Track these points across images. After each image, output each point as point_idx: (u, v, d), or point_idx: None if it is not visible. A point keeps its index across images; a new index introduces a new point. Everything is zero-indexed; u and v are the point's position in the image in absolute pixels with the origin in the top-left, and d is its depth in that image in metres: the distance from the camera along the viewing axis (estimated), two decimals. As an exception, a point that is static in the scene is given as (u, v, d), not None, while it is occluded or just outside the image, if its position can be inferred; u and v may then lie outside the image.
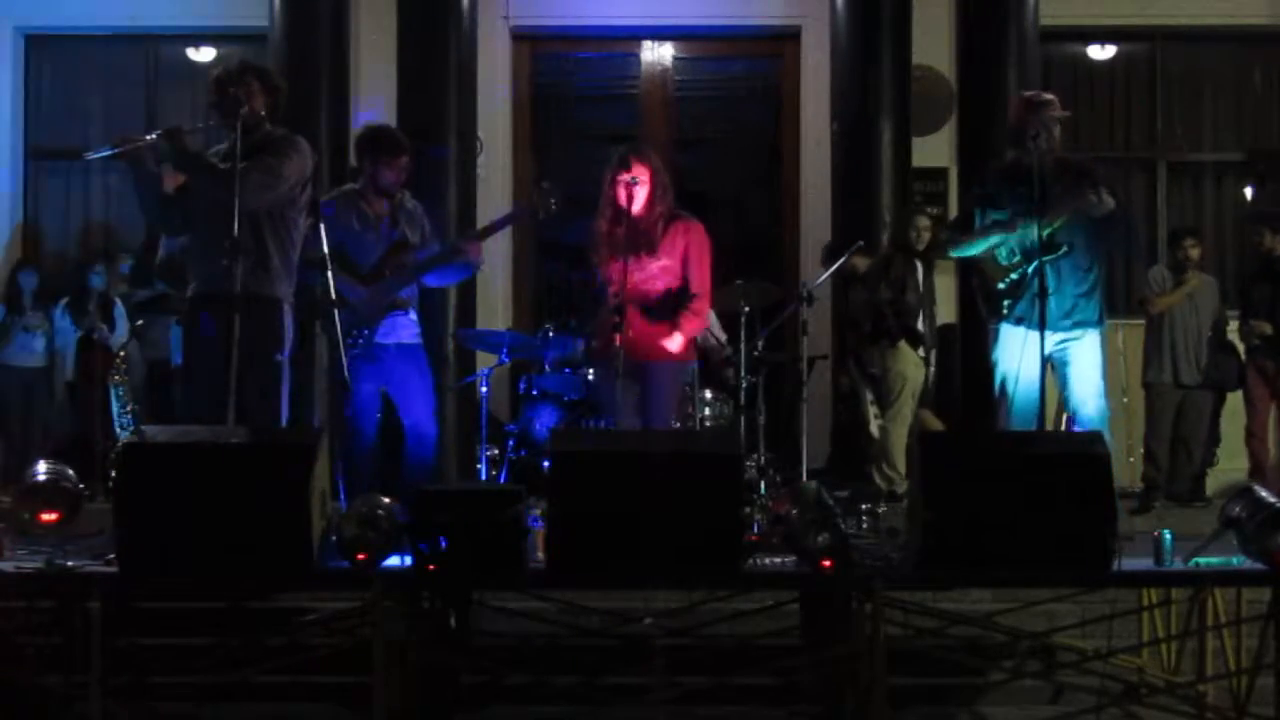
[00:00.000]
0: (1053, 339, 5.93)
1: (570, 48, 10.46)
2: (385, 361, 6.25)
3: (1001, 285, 6.11)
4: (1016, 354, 6.02)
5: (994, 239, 6.11)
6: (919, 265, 8.08)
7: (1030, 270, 5.92)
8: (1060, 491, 4.57)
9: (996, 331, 6.22)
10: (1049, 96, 6.29)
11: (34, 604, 5.07)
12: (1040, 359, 5.76)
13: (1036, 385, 5.83)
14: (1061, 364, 6.12)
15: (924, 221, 8.15)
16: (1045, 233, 5.79)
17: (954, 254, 6.53)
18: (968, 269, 6.52)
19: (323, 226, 5.90)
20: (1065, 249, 5.86)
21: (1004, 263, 6.11)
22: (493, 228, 6.71)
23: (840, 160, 9.22)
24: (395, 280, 6.25)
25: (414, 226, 6.36)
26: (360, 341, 6.17)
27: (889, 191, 8.87)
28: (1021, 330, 6.02)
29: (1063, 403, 6.26)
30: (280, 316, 5.75)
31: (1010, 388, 6.09)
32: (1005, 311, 6.11)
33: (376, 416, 6.32)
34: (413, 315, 6.34)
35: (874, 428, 8.13)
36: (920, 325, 8.01)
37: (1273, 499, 4.72)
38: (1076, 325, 6.09)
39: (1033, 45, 9.11)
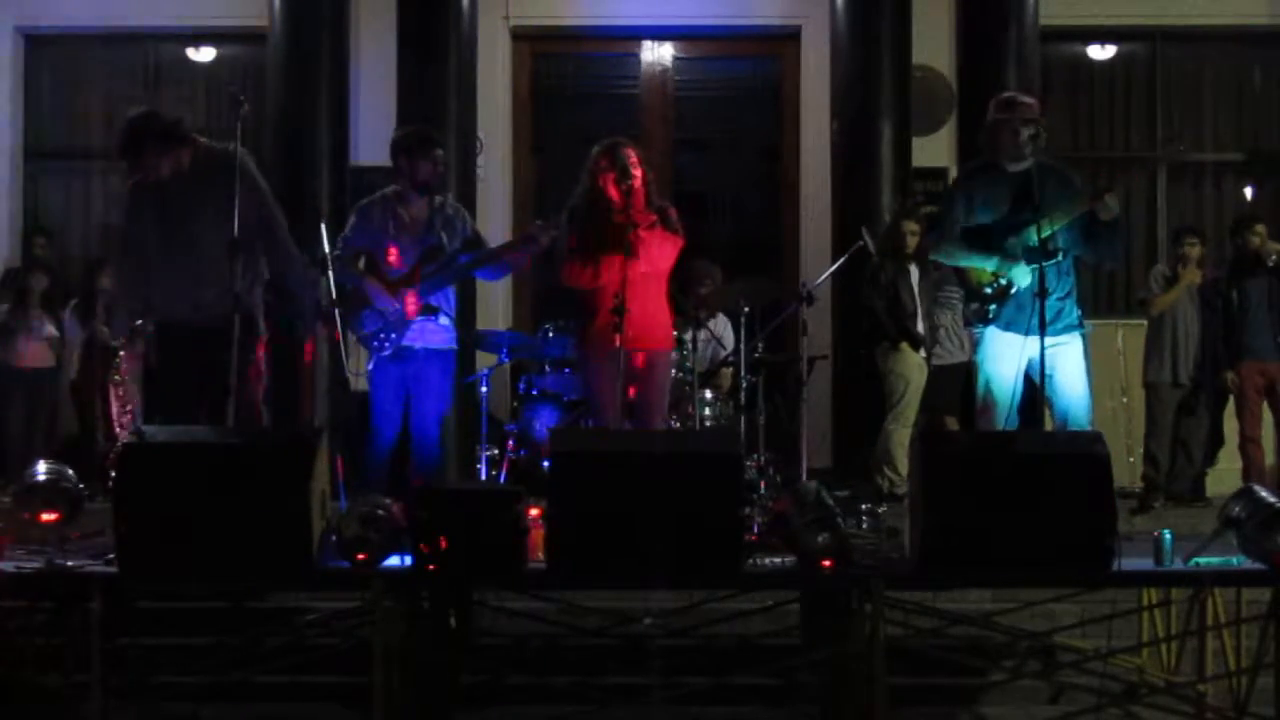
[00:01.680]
0: (1037, 344, 5.83)
1: (570, 48, 10.45)
2: (411, 363, 6.26)
3: (988, 289, 5.98)
4: (1003, 359, 5.94)
5: (981, 259, 5.96)
6: (912, 267, 8.07)
7: (1021, 275, 5.86)
8: (1060, 491, 4.57)
9: (980, 335, 6.10)
10: (1026, 99, 6.20)
11: (34, 604, 5.08)
12: (1039, 362, 5.63)
13: (1022, 391, 5.79)
14: (1048, 371, 5.97)
15: (912, 226, 8.12)
16: (1043, 236, 5.72)
17: (937, 259, 6.46)
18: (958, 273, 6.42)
19: (323, 227, 5.93)
20: (1061, 254, 5.81)
21: (991, 269, 5.99)
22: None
23: (840, 160, 9.21)
24: (426, 285, 6.23)
25: (452, 231, 6.33)
26: (388, 345, 6.19)
27: (889, 191, 8.87)
28: (1009, 335, 5.92)
29: (1050, 409, 6.05)
30: (256, 335, 5.91)
31: (996, 393, 5.97)
32: (991, 316, 5.99)
33: (399, 418, 6.31)
34: (444, 321, 6.32)
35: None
36: (919, 327, 8.00)
37: (1273, 499, 4.72)
38: (1062, 330, 5.95)
39: (1033, 45, 9.10)
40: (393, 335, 6.20)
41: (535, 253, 6.41)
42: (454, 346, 6.44)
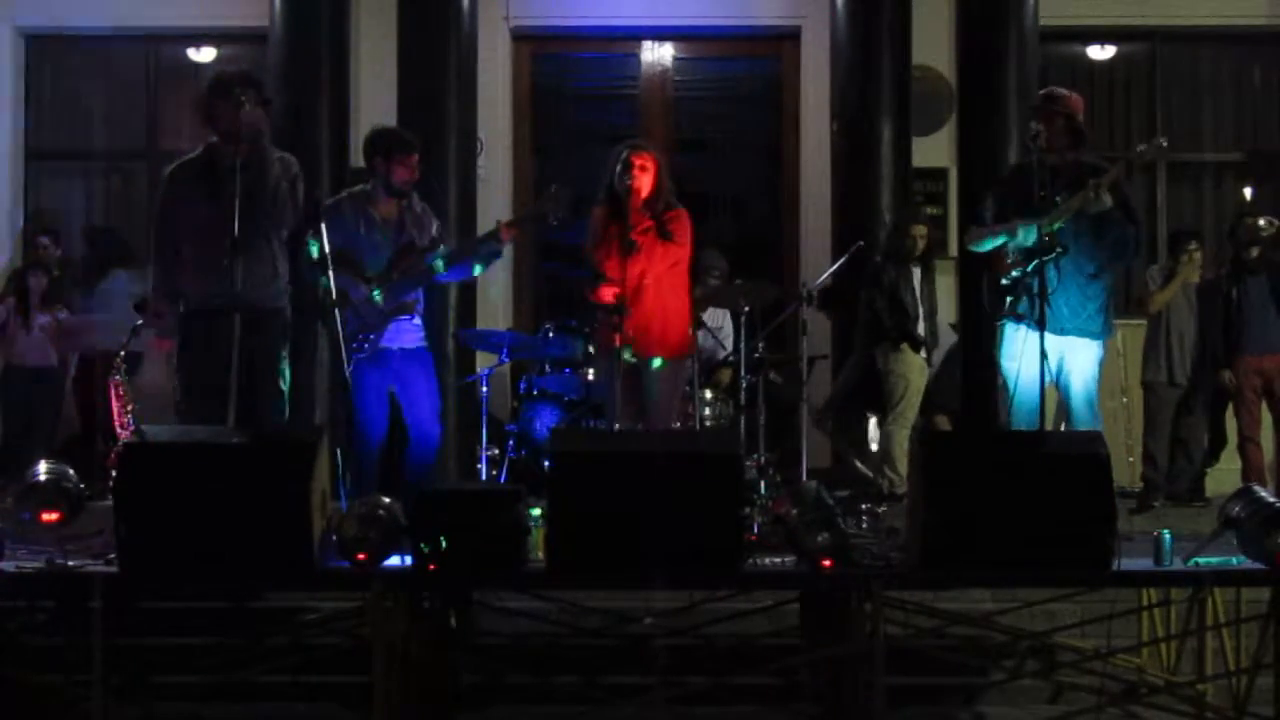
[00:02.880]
0: (1054, 342, 5.93)
1: (570, 48, 10.45)
2: (391, 365, 6.27)
3: (1005, 281, 6.13)
4: (1018, 352, 6.05)
5: (1001, 239, 6.17)
6: (915, 270, 8.06)
7: (1030, 270, 5.93)
8: (1060, 491, 4.57)
9: (1001, 328, 6.24)
10: (1056, 92, 6.30)
11: (34, 604, 5.08)
12: (1040, 357, 5.75)
13: (1037, 384, 5.84)
14: (1059, 369, 6.13)
15: (920, 230, 8.10)
16: (1046, 232, 5.80)
17: (970, 248, 6.54)
18: (976, 267, 6.55)
19: (324, 227, 5.92)
20: (1060, 250, 5.86)
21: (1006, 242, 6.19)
22: (518, 222, 6.73)
23: (840, 160, 9.20)
24: (403, 284, 6.25)
25: (422, 229, 6.35)
26: (366, 346, 6.19)
27: (889, 191, 8.85)
28: (1022, 329, 6.05)
29: (1061, 406, 6.29)
30: (286, 326, 5.94)
31: (1012, 385, 6.14)
32: (1007, 308, 6.14)
33: (384, 418, 6.33)
34: (417, 320, 6.35)
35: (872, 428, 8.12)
36: (920, 328, 7.99)
37: (1272, 499, 4.73)
38: (1077, 332, 6.10)
39: (1033, 45, 9.09)
40: (370, 335, 6.20)
41: (499, 252, 6.43)
42: (426, 345, 6.44)
